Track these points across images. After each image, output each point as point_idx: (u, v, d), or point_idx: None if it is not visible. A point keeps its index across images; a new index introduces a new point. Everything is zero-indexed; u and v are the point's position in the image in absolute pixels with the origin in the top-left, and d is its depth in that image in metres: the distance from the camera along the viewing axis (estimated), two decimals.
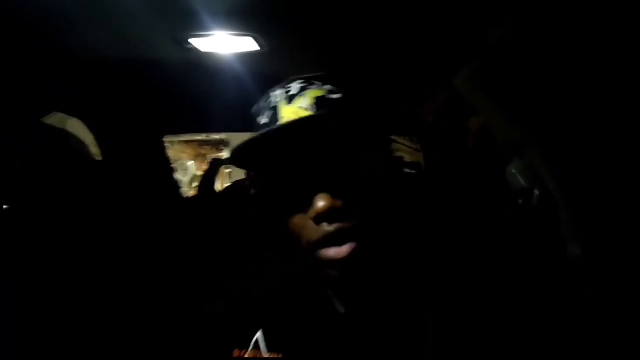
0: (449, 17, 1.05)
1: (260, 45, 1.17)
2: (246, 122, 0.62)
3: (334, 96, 0.55)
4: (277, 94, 0.57)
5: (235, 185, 2.36)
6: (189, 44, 1.20)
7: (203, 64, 1.31)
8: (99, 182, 1.36)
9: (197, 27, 1.10)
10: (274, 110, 0.55)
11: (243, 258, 1.32)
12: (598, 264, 0.89)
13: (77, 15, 1.05)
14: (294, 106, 0.54)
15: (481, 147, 1.30)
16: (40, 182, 1.15)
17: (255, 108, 0.60)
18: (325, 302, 0.59)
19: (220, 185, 4.13)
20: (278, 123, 0.54)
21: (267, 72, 1.05)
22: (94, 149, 1.60)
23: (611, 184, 0.91)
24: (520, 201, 1.04)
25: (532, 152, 1.02)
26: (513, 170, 1.08)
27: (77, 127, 1.59)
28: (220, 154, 5.63)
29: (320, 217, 0.50)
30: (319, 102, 0.54)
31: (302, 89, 0.56)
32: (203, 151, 5.79)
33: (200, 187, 2.46)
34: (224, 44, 1.19)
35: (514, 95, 1.07)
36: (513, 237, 1.04)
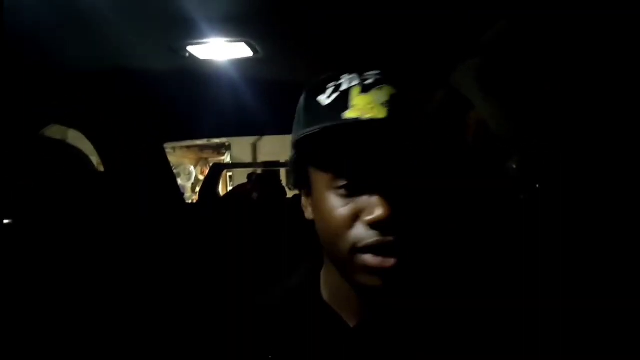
0: (441, 18, 1.05)
1: (255, 50, 1.18)
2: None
3: (411, 97, 0.52)
4: (350, 78, 0.54)
5: (238, 189, 2.36)
6: (186, 51, 1.21)
7: (200, 71, 1.31)
8: (102, 193, 1.37)
9: (193, 35, 1.11)
10: (344, 94, 0.52)
11: (248, 265, 1.32)
12: (599, 257, 0.89)
13: (76, 28, 1.06)
14: (368, 97, 0.51)
15: (480, 142, 1.30)
16: (42, 195, 1.16)
17: (313, 83, 0.57)
18: (332, 316, 0.58)
19: (222, 189, 4.15)
20: (349, 110, 0.50)
21: (263, 78, 1.06)
22: (95, 160, 1.61)
23: (610, 175, 0.91)
24: (521, 196, 1.04)
25: (532, 146, 1.02)
26: (513, 165, 1.09)
27: (77, 139, 1.60)
28: (222, 158, 5.65)
29: (377, 224, 0.49)
30: (395, 100, 0.51)
31: (379, 82, 0.52)
32: (204, 155, 5.80)
33: (201, 192, 2.47)
34: (220, 50, 1.20)
35: (510, 90, 1.07)
36: (516, 230, 1.04)
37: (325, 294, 0.61)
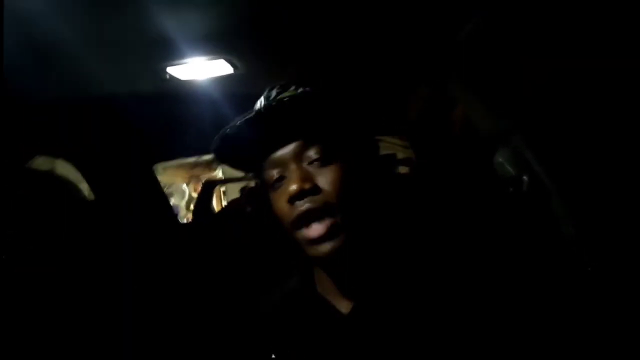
0: (417, 22, 1.06)
1: (235, 67, 1.18)
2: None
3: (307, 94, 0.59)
4: (259, 101, 0.62)
5: (231, 204, 2.36)
6: (167, 73, 1.21)
7: (182, 90, 1.32)
8: (93, 221, 1.36)
9: (172, 56, 1.11)
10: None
11: (245, 277, 1.32)
12: (593, 241, 0.89)
13: (54, 57, 1.05)
14: (265, 101, 0.60)
15: (466, 138, 1.31)
16: (34, 228, 1.15)
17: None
18: (326, 307, 0.61)
19: (216, 205, 4.12)
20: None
21: (243, 94, 1.06)
22: (85, 188, 1.60)
23: (598, 163, 0.92)
24: (510, 188, 1.05)
25: (517, 139, 1.03)
26: (500, 159, 1.09)
27: (65, 168, 1.59)
28: (214, 173, 5.62)
29: (292, 199, 0.55)
30: (293, 98, 0.57)
31: (279, 93, 0.60)
32: (196, 172, 5.77)
33: (195, 210, 2.45)
34: (200, 69, 1.20)
35: (491, 86, 1.08)
36: (506, 224, 1.05)
37: (319, 287, 0.64)
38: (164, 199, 2.04)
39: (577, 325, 0.71)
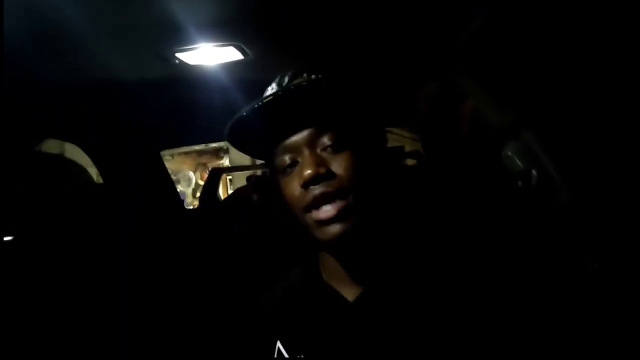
0: (426, 16, 1.05)
1: (245, 53, 1.17)
2: None
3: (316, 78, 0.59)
4: (270, 87, 0.63)
5: (238, 192, 2.36)
6: (176, 58, 1.20)
7: (191, 76, 1.31)
8: (102, 205, 1.37)
9: (182, 41, 1.11)
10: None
11: (251, 266, 1.33)
12: (602, 238, 0.89)
13: (63, 38, 1.06)
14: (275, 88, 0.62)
15: (475, 131, 1.30)
16: (43, 211, 1.16)
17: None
18: (332, 295, 0.62)
19: (223, 193, 4.15)
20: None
21: (252, 80, 1.06)
22: (94, 172, 1.61)
23: (606, 158, 0.91)
24: (519, 182, 1.04)
25: (527, 133, 1.02)
26: (509, 153, 1.09)
27: (74, 152, 1.60)
28: (220, 161, 5.64)
29: (307, 184, 0.56)
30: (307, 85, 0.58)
31: (291, 79, 0.61)
32: (203, 160, 5.80)
33: (201, 198, 2.47)
34: (210, 55, 1.19)
35: (500, 80, 1.07)
36: (513, 216, 1.04)
37: (324, 274, 0.65)
38: (172, 185, 2.05)
39: (581, 319, 0.71)
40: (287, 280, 0.70)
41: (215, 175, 2.38)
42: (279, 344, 0.63)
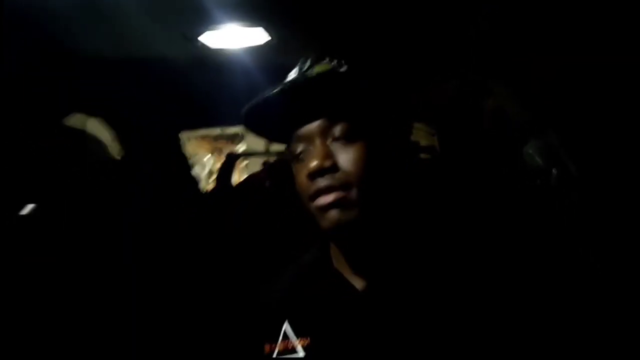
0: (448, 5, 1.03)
1: (268, 36, 1.17)
2: None
3: (340, 70, 0.59)
4: (292, 72, 0.62)
5: (251, 177, 2.38)
6: (199, 40, 1.21)
7: (213, 58, 1.32)
8: (117, 181, 1.39)
9: (206, 22, 1.12)
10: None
11: (263, 252, 1.34)
12: (607, 240, 0.87)
13: (90, 14, 1.07)
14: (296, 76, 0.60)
15: (496, 128, 1.28)
16: (59, 185, 1.19)
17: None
18: (341, 282, 0.62)
19: (237, 178, 4.17)
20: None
21: (276, 64, 1.06)
22: (115, 147, 1.63)
23: (626, 158, 0.89)
24: (538, 180, 1.03)
25: (548, 132, 1.00)
26: (530, 151, 1.07)
27: (96, 127, 1.63)
28: (236, 148, 5.67)
29: (313, 175, 0.56)
30: (324, 75, 0.58)
31: (312, 64, 0.60)
32: (219, 145, 5.83)
33: (216, 182, 2.49)
34: (233, 38, 1.20)
35: (522, 78, 1.05)
36: (533, 215, 1.03)
37: (335, 262, 0.64)
38: (187, 166, 2.08)
39: (581, 319, 0.70)
40: (300, 262, 0.71)
41: (230, 161, 2.40)
42: (286, 325, 0.63)
